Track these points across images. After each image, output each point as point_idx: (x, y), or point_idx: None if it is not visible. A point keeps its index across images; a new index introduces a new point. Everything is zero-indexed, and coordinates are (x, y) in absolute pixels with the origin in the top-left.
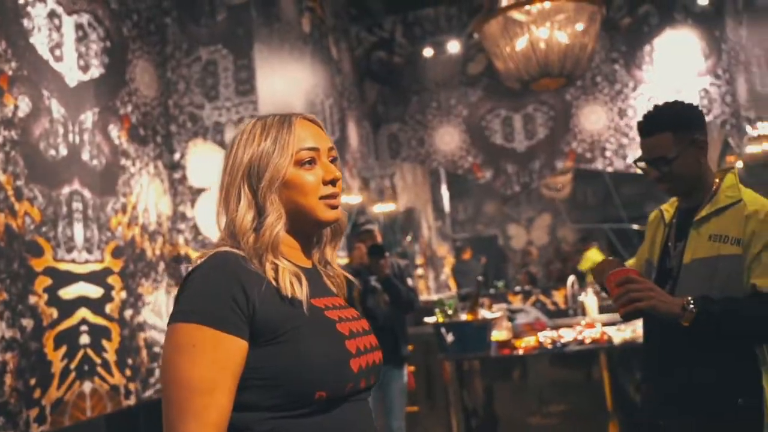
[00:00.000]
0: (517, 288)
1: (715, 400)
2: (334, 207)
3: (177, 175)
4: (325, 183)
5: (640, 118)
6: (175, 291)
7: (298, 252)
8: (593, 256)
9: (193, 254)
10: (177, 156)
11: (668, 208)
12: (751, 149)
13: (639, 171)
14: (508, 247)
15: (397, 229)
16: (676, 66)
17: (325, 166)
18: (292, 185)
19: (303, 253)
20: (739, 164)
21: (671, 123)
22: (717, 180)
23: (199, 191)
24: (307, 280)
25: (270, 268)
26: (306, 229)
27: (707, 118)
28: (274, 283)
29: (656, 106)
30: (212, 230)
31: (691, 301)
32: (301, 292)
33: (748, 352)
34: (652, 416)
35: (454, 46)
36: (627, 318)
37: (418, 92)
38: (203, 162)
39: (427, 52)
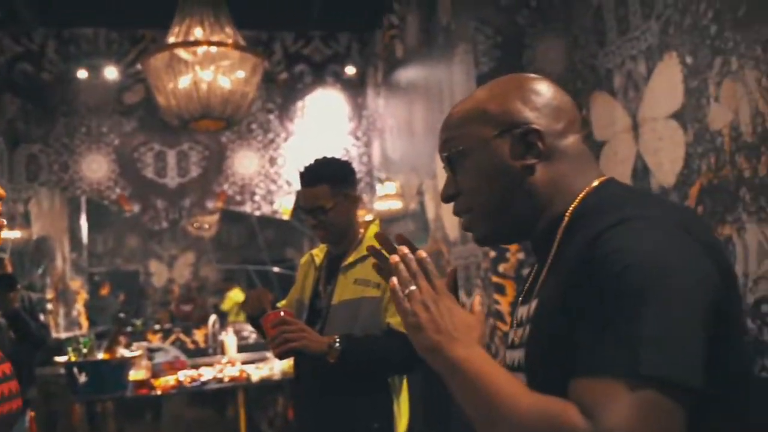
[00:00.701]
0: (157, 326)
1: (358, 427)
2: None
3: None
4: None
5: (289, 167)
6: None
7: None
8: (235, 296)
9: None
10: None
11: (318, 253)
12: (379, 206)
13: (284, 217)
14: (149, 284)
15: (27, 260)
16: (324, 124)
17: None
18: None
19: None
20: (369, 218)
21: (329, 177)
22: (362, 230)
23: None
24: None
25: None
26: None
27: None
28: None
29: (316, 160)
30: None
31: (337, 340)
32: None
33: (383, 382)
34: None
35: (111, 72)
36: (281, 357)
37: (67, 114)
38: None
39: (81, 73)
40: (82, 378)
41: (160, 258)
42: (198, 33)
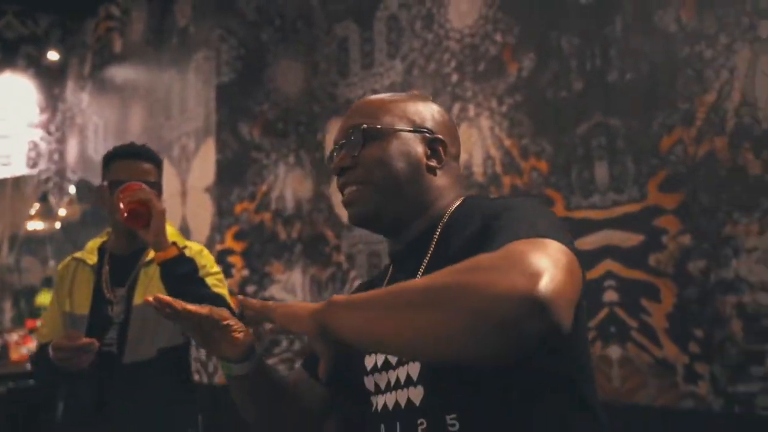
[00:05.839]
0: None
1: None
2: None
3: None
4: None
5: None
6: None
7: None
8: None
9: None
10: None
11: (90, 256)
12: (68, 209)
13: None
14: None
15: None
16: (8, 111)
17: None
18: None
19: None
20: (58, 224)
21: (156, 159)
22: None
23: None
24: None
25: None
26: None
27: (33, 172)
28: None
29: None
30: None
31: (183, 247)
32: None
33: (190, 392)
34: None
35: None
36: (133, 215)
37: None
38: None
39: None
40: None
41: None
42: None
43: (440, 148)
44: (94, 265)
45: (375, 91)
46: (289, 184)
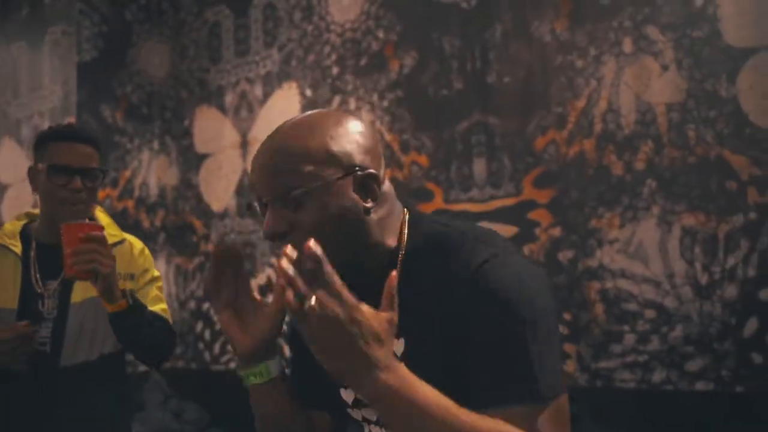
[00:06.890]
0: None
1: None
2: None
3: None
4: None
5: None
6: None
7: None
8: None
9: None
10: None
11: (12, 242)
12: None
13: None
14: None
15: None
16: None
17: None
18: None
19: None
20: None
21: (99, 143)
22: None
23: None
24: None
25: None
26: None
27: None
28: None
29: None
30: None
31: (130, 293)
32: None
33: (122, 395)
34: None
35: None
36: (75, 278)
37: None
38: None
39: None
40: None
41: None
42: None
43: (374, 184)
44: (19, 254)
45: (249, 80)
46: (153, 170)
